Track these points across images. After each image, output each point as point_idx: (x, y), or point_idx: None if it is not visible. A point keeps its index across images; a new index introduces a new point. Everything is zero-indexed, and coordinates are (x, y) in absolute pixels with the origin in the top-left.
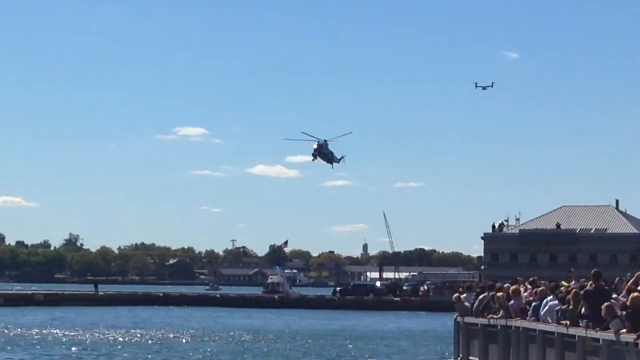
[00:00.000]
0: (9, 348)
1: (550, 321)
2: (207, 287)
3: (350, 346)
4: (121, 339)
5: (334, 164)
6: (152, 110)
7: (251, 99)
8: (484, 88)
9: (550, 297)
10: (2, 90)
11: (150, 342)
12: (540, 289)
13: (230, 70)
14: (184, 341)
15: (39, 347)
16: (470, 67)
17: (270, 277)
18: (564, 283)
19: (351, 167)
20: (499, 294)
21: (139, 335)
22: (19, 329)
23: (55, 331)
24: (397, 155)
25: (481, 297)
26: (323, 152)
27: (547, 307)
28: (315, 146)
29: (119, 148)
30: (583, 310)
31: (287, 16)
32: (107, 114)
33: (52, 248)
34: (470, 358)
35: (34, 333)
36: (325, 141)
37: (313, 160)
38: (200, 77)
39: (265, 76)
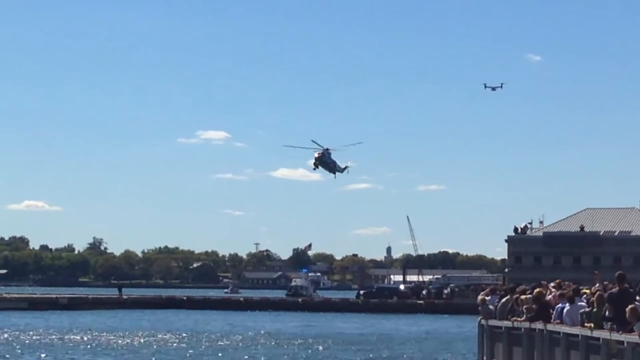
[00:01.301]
0: (37, 353)
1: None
2: (226, 290)
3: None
4: (159, 342)
5: (337, 173)
6: (175, 113)
7: (273, 102)
8: (493, 89)
9: (574, 300)
10: (26, 95)
11: (202, 346)
12: (564, 291)
13: (252, 73)
14: (237, 345)
15: (69, 351)
16: (493, 70)
17: (294, 280)
18: (585, 291)
19: (373, 170)
20: (523, 297)
21: (181, 339)
22: (42, 332)
23: (100, 334)
24: (418, 158)
25: (504, 299)
26: (324, 161)
27: (571, 310)
28: (316, 155)
29: (141, 151)
30: (607, 312)
31: (310, 20)
32: (130, 118)
33: (76, 252)
34: None
35: (57, 336)
36: (327, 150)
37: (314, 169)
38: (222, 81)
39: (287, 79)
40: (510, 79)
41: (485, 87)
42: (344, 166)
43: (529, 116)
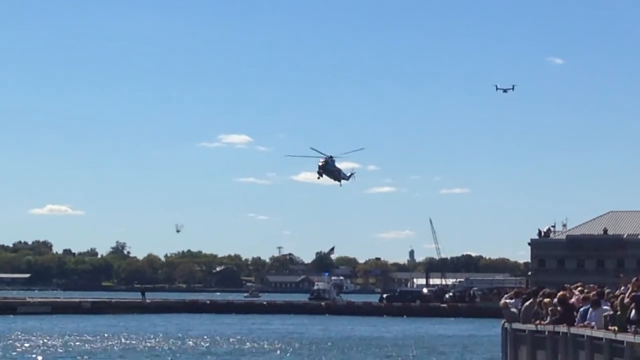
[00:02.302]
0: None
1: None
2: (246, 294)
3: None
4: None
5: (342, 180)
6: (196, 118)
7: (294, 106)
8: (504, 90)
9: (599, 303)
10: (47, 100)
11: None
12: (590, 293)
13: (273, 77)
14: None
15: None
16: (514, 73)
17: (316, 283)
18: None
19: (396, 173)
20: (545, 300)
21: (203, 343)
22: (69, 336)
23: (124, 338)
24: (442, 162)
25: (528, 302)
26: (328, 169)
27: (595, 313)
28: (320, 163)
29: (164, 156)
30: (632, 315)
31: (331, 23)
32: (152, 122)
33: (99, 256)
34: None
35: (89, 340)
36: (331, 157)
37: (318, 177)
38: (243, 85)
39: (309, 83)
40: (532, 82)
41: (497, 88)
42: (349, 174)
43: (552, 119)
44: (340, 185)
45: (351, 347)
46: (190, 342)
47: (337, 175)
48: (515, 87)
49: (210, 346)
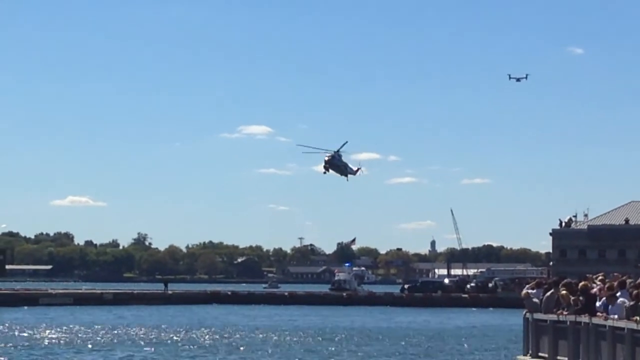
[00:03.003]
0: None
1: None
2: (265, 285)
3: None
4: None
5: (349, 175)
6: (217, 109)
7: (315, 97)
8: (518, 79)
9: (620, 293)
10: (67, 92)
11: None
12: (613, 283)
13: (294, 68)
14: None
15: (127, 345)
16: (535, 63)
17: (337, 274)
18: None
19: (416, 163)
20: (563, 292)
21: (225, 333)
22: (94, 328)
23: (150, 329)
24: (462, 152)
25: (549, 293)
26: (335, 164)
27: (615, 307)
28: (326, 158)
29: (184, 147)
30: None
31: (349, 15)
32: (173, 114)
33: (121, 247)
34: (540, 354)
35: (116, 332)
36: (338, 152)
37: (324, 173)
38: (264, 75)
39: (329, 75)
40: (552, 72)
41: (510, 77)
42: (356, 168)
43: (573, 109)
44: (347, 180)
45: (372, 338)
46: (212, 333)
47: (343, 170)
48: (528, 76)
49: (231, 338)
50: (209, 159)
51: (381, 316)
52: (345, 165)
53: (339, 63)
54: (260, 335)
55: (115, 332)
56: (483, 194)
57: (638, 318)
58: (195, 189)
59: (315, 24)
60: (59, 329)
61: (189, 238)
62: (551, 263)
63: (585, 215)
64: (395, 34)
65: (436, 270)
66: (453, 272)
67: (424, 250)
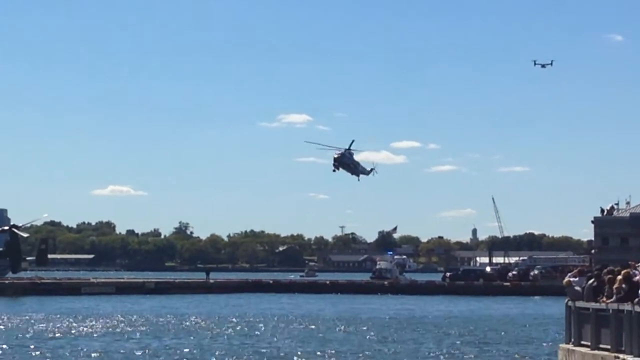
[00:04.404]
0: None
1: None
2: (302, 274)
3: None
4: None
5: (361, 175)
6: (256, 98)
7: (354, 85)
8: (543, 65)
9: None
10: (109, 82)
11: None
12: None
13: (333, 56)
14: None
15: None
16: (575, 50)
17: (379, 262)
18: None
19: (456, 151)
20: (608, 277)
21: (270, 321)
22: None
23: (191, 318)
24: (501, 140)
25: (592, 280)
26: (344, 162)
27: None
28: (335, 156)
29: (224, 136)
30: None
31: (386, 5)
32: (212, 103)
33: (162, 236)
34: (582, 342)
35: (175, 320)
36: (348, 150)
37: (333, 170)
38: (303, 64)
39: (369, 63)
40: (592, 59)
41: (535, 64)
42: (369, 169)
43: (614, 96)
44: (359, 180)
45: (416, 326)
46: (257, 320)
47: (353, 168)
48: (553, 62)
49: (280, 324)
50: (249, 148)
51: (423, 304)
52: (356, 164)
53: (379, 52)
54: (303, 324)
55: (161, 319)
56: (523, 181)
57: None
58: (236, 178)
59: (352, 13)
60: (103, 319)
61: (230, 227)
62: (593, 251)
63: (628, 203)
64: (433, 23)
65: (477, 259)
66: (494, 260)
67: (466, 238)
